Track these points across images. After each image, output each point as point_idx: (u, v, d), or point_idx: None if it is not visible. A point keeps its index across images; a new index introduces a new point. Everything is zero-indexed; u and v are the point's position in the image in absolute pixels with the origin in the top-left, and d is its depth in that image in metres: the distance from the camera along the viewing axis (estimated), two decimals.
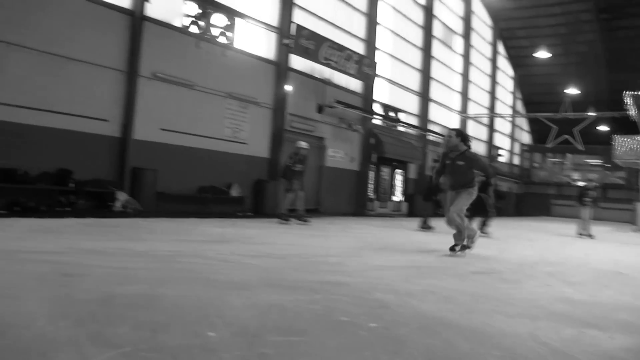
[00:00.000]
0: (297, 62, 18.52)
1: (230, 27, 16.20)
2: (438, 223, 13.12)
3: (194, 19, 15.33)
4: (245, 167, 16.58)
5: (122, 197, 12.73)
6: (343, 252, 7.99)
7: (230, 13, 16.19)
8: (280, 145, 17.67)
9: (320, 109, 19.43)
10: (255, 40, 17.21)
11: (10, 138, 11.16)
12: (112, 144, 13.20)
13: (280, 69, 17.78)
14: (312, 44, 18.37)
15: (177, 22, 14.96)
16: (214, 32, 15.81)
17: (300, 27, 17.88)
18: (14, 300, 3.48)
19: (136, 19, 13.58)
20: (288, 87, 17.81)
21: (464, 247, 7.96)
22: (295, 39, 17.68)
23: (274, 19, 17.81)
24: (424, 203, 14.91)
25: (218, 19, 15.89)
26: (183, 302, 3.70)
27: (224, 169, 15.82)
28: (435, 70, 28.88)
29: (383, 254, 8.16)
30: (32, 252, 5.60)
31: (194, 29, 15.31)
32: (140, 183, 13.48)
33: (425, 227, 14.04)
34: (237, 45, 16.47)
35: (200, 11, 15.45)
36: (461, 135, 8.14)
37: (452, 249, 7.97)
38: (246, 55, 16.74)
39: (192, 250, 6.69)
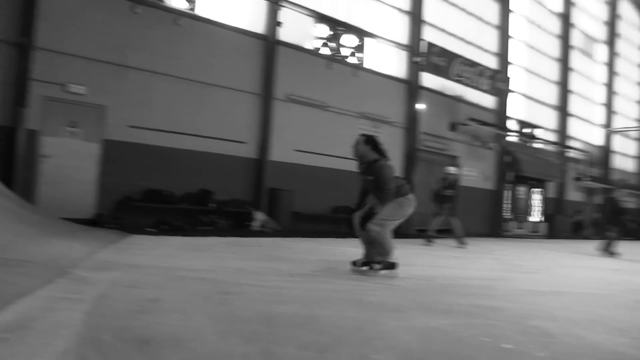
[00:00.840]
0: (429, 79, 18.22)
1: (360, 47, 16.31)
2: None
3: (324, 40, 15.58)
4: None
5: (260, 217, 13.02)
6: (489, 274, 7.64)
7: (360, 33, 16.29)
8: (413, 165, 17.40)
9: (453, 127, 18.98)
10: (385, 59, 17.18)
11: (157, 161, 11.96)
12: (249, 165, 13.65)
13: (411, 87, 17.59)
14: (443, 61, 18.05)
15: (309, 45, 15.25)
16: (345, 52, 15.97)
17: (430, 45, 17.65)
18: (183, 315, 3.59)
19: (270, 43, 14.02)
20: (420, 106, 17.55)
21: (388, 266, 6.41)
22: (426, 56, 17.47)
23: (403, 37, 17.71)
24: (607, 225, 13.66)
25: (348, 40, 16.06)
26: (341, 323, 3.62)
27: (357, 189, 15.69)
28: (574, 82, 27.21)
29: (531, 277, 7.68)
30: (187, 269, 5.78)
31: (325, 51, 15.56)
32: (277, 203, 13.77)
33: (609, 251, 12.97)
34: (367, 65, 16.52)
35: (331, 33, 15.69)
36: (371, 142, 6.69)
37: (365, 264, 6.57)
38: (377, 75, 16.73)
39: (336, 270, 6.63)
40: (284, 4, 14.33)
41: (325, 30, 15.60)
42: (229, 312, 3.78)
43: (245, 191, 13.55)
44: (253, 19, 14.00)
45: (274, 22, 14.07)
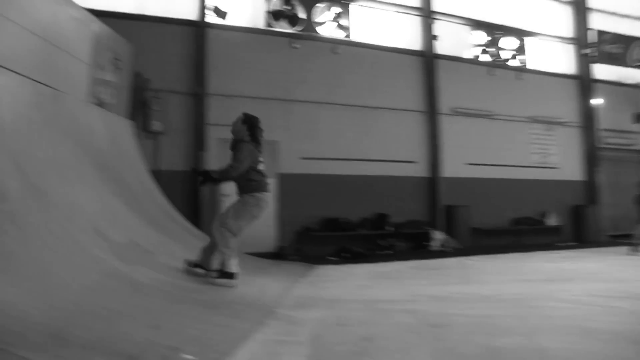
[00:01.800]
0: (603, 71, 16.68)
1: (521, 49, 15.40)
2: None
3: (483, 47, 14.89)
4: (558, 193, 15.25)
5: (438, 236, 12.53)
6: None
7: (520, 34, 15.39)
8: (594, 165, 15.94)
9: (637, 119, 17.17)
10: (550, 56, 16.02)
11: (331, 189, 11.98)
12: (422, 184, 13.25)
13: (583, 82, 16.22)
14: (618, 48, 16.49)
15: (467, 54, 14.65)
16: (506, 56, 15.14)
17: (600, 32, 16.21)
18: (404, 355, 3.44)
19: (428, 58, 13.65)
20: (596, 101, 16.11)
21: (225, 275, 5.74)
22: (596, 46, 16.06)
23: (568, 30, 16.43)
24: None
25: (508, 43, 15.21)
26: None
27: (536, 197, 14.76)
28: None
29: None
30: (387, 300, 5.60)
31: (484, 57, 14.85)
32: (454, 220, 13.20)
33: None
34: (531, 65, 15.51)
35: (489, 38, 14.97)
36: (249, 122, 6.21)
37: (198, 266, 5.99)
38: (543, 75, 15.63)
39: (538, 292, 6.00)
40: (437, 16, 13.93)
41: (482, 36, 14.92)
42: (449, 348, 3.55)
43: (421, 211, 13.14)
44: (409, 37, 13.76)
45: (429, 37, 13.72)
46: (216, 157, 11.02)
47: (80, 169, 6.96)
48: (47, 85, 7.05)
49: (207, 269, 5.92)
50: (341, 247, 11.31)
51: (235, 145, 6.04)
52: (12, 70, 6.21)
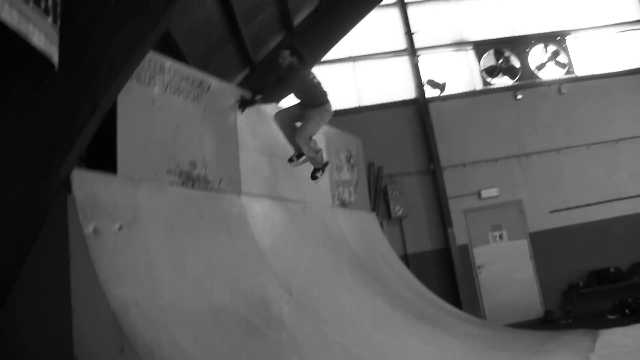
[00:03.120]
0: None
1: None
2: None
3: None
4: None
5: None
6: None
7: None
8: None
9: None
10: None
11: (589, 238, 11.19)
12: None
13: None
14: None
15: None
16: None
17: None
18: None
19: None
20: None
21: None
22: None
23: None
24: None
25: None
26: None
27: None
28: None
29: None
30: None
31: None
32: None
33: None
34: None
35: None
36: (292, 49, 6.52)
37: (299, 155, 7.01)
38: None
39: None
40: None
41: None
42: None
43: None
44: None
45: None
46: (462, 230, 11.04)
47: (339, 275, 7.27)
48: (296, 201, 7.59)
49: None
50: (618, 301, 10.39)
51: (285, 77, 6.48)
52: (264, 196, 6.87)
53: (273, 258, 6.03)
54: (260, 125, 7.37)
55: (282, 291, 5.58)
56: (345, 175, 9.63)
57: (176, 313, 4.24)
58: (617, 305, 10.28)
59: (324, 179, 8.76)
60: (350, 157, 9.87)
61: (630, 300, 10.22)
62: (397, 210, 10.94)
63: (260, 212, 6.61)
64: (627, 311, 10.01)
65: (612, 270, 10.87)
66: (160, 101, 5.51)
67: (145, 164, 5.17)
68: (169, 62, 5.68)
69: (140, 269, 4.33)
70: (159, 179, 5.31)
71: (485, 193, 11.21)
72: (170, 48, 7.40)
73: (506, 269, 11.02)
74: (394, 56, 12.08)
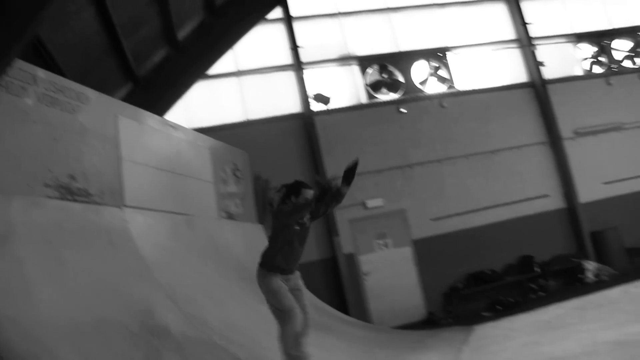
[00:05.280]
0: None
1: (636, 47, 14.59)
2: None
3: (593, 58, 14.31)
4: None
5: (590, 266, 11.95)
6: None
7: (630, 33, 14.62)
8: None
9: None
10: None
11: (468, 243, 11.88)
12: (560, 216, 12.76)
13: None
14: None
15: (578, 71, 14.13)
16: (621, 60, 14.43)
17: None
18: None
19: (538, 86, 13.35)
20: None
21: None
22: None
23: None
24: None
25: (619, 45, 14.51)
26: None
27: None
28: None
29: None
30: (565, 357, 5.27)
31: (597, 69, 14.25)
32: (604, 246, 12.52)
33: None
34: None
35: (596, 48, 14.37)
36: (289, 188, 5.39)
37: None
38: None
39: None
40: (537, 42, 13.65)
41: (589, 48, 14.36)
42: None
43: (566, 244, 12.60)
44: (513, 71, 13.60)
45: (534, 65, 13.42)
46: (348, 239, 11.41)
47: (226, 285, 7.36)
48: (181, 213, 7.64)
49: None
50: (492, 299, 11.15)
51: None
52: (148, 209, 6.87)
53: (158, 270, 6.07)
54: (145, 137, 7.40)
55: (167, 301, 5.63)
56: (232, 187, 9.76)
57: (56, 326, 4.22)
58: (491, 303, 11.01)
59: (209, 191, 8.90)
60: (236, 170, 10.02)
61: (502, 298, 11.03)
62: None
63: (144, 225, 6.63)
64: (500, 308, 10.74)
65: (488, 272, 11.60)
66: (35, 113, 5.47)
67: (18, 178, 5.12)
68: (41, 72, 5.64)
69: (14, 284, 4.29)
70: (35, 192, 5.25)
71: (370, 203, 11.64)
72: (45, 59, 7.34)
73: (391, 275, 11.47)
74: (280, 71, 12.31)
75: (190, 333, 5.37)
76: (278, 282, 4.93)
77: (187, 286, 6.31)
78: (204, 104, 11.63)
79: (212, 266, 7.57)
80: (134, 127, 7.14)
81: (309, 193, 5.37)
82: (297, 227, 5.15)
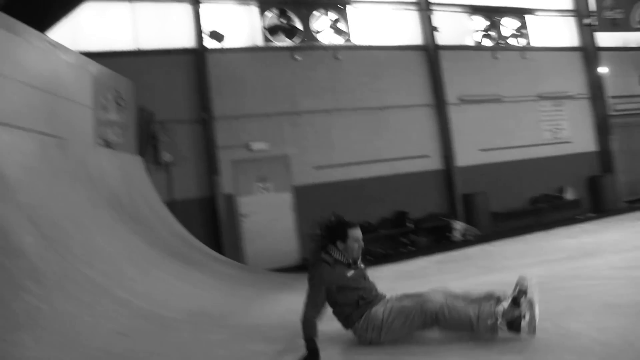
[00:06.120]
0: (606, 38, 16.54)
1: (522, 27, 15.38)
2: None
3: (484, 32, 14.92)
4: (573, 166, 15.24)
5: (458, 226, 12.65)
6: None
7: (519, 13, 15.37)
8: (607, 134, 15.86)
9: None
10: (552, 31, 15.94)
11: (348, 194, 12.14)
12: (437, 177, 13.38)
13: (587, 53, 16.10)
14: (619, 13, 16.34)
15: (469, 41, 14.69)
16: (508, 37, 15.15)
17: (599, 0, 16.06)
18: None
19: (430, 51, 13.72)
20: (602, 69, 16.02)
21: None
22: (596, 14, 15.93)
23: (567, 1, 16.33)
24: None
25: (508, 24, 15.22)
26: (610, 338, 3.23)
27: (551, 174, 14.76)
28: None
29: None
30: None
31: (486, 42, 14.89)
32: (473, 208, 13.28)
33: None
34: (535, 43, 15.48)
35: (488, 22, 14.98)
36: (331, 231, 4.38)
37: None
38: (547, 51, 15.56)
39: (561, 272, 6.05)
40: (435, 8, 13.99)
41: (482, 21, 14.95)
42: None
43: (439, 203, 13.27)
44: (409, 33, 13.85)
45: (429, 30, 13.77)
46: (229, 180, 11.29)
47: (95, 213, 7.13)
48: (52, 135, 7.23)
49: None
50: (364, 250, 11.46)
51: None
52: (15, 126, 6.41)
53: (19, 189, 5.66)
54: (18, 51, 6.87)
55: (26, 222, 5.28)
56: (112, 115, 9.35)
57: None
58: (363, 253, 11.31)
59: (87, 116, 8.47)
60: (119, 98, 9.59)
61: (373, 249, 11.49)
62: (165, 156, 10.86)
63: (8, 142, 6.19)
64: (371, 258, 11.09)
65: (364, 224, 11.89)
66: None
67: None
68: None
69: None
70: None
71: (255, 146, 11.56)
72: None
73: (269, 218, 11.55)
74: (176, 1, 11.73)
75: (49, 257, 5.11)
76: (378, 312, 4.07)
77: (51, 210, 5.98)
78: (93, 28, 10.90)
79: (82, 193, 7.24)
80: (6, 38, 6.61)
81: (358, 232, 4.47)
82: (351, 273, 4.30)
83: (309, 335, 3.82)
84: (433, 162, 13.37)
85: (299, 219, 11.68)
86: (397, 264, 9.85)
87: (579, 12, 16.25)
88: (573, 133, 15.55)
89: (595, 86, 15.99)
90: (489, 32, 14.99)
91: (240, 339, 4.72)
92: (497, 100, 14.40)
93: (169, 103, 11.06)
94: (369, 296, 4.20)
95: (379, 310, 4.05)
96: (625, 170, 15.64)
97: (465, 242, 11.87)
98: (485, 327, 3.57)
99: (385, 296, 4.29)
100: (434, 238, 12.69)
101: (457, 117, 13.71)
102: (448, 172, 13.41)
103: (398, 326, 3.91)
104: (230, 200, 11.30)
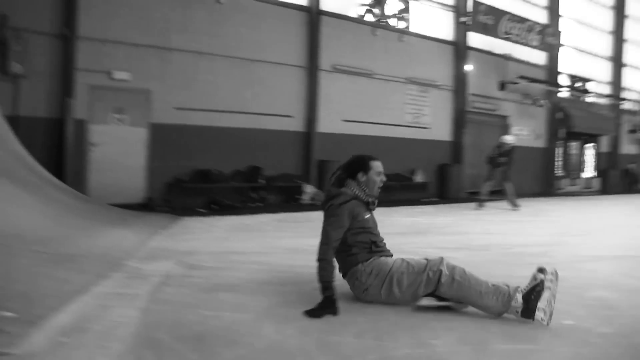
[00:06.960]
0: (476, 39, 17.61)
1: (405, 11, 15.87)
2: None
3: (368, 7, 15.21)
4: (428, 152, 16.20)
5: (309, 189, 12.94)
6: (544, 240, 7.46)
7: None
8: (461, 127, 17.01)
9: (502, 86, 18.35)
10: (431, 21, 16.63)
11: (205, 141, 11.97)
12: (297, 139, 13.56)
13: (458, 49, 17.06)
14: (491, 19, 17.41)
15: (352, 13, 14.91)
16: (389, 18, 15.57)
17: (477, 3, 17.00)
18: (238, 307, 3.59)
19: (313, 14, 13.75)
20: (468, 67, 17.03)
21: None
22: (472, 15, 16.85)
23: None
24: None
25: (393, 4, 15.64)
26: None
27: (407, 155, 15.56)
28: (631, 30, 25.63)
29: (588, 240, 7.48)
30: (239, 252, 5.86)
31: (369, 17, 15.20)
32: (326, 175, 13.63)
33: None
34: (413, 29, 16.05)
35: None
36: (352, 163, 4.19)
37: None
38: (423, 38, 16.24)
39: (390, 245, 6.41)
40: None
41: None
42: (281, 292, 3.97)
43: (294, 165, 13.49)
44: None
45: None
46: (84, 105, 10.69)
47: None
48: None
49: None
50: (211, 199, 11.45)
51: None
52: None
53: None
54: None
55: None
56: None
57: None
58: (209, 201, 11.33)
59: None
60: None
61: (220, 199, 11.48)
62: (15, 67, 9.95)
63: None
64: (216, 207, 11.12)
65: (215, 172, 11.85)
66: None
67: None
68: None
69: None
70: None
71: (117, 75, 10.91)
72: None
73: (120, 152, 11.05)
74: None
75: None
76: (389, 261, 3.82)
77: None
78: None
79: None
80: None
81: (380, 165, 4.13)
82: (368, 215, 4.00)
83: (327, 278, 3.55)
84: (296, 124, 13.50)
85: (151, 157, 11.32)
86: (239, 216, 9.90)
87: (458, 9, 17.07)
88: (432, 120, 16.45)
89: (459, 81, 17.02)
90: (373, 9, 15.29)
91: (51, 266, 4.43)
92: (368, 75, 14.81)
93: (27, 9, 10.10)
94: (382, 245, 3.97)
95: (389, 260, 3.81)
96: (472, 164, 16.82)
97: (312, 206, 12.16)
98: (498, 302, 3.34)
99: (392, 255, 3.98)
100: (284, 198, 12.91)
101: (327, 84, 13.93)
102: (308, 136, 13.63)
103: (405, 284, 3.60)
104: (81, 126, 10.66)
